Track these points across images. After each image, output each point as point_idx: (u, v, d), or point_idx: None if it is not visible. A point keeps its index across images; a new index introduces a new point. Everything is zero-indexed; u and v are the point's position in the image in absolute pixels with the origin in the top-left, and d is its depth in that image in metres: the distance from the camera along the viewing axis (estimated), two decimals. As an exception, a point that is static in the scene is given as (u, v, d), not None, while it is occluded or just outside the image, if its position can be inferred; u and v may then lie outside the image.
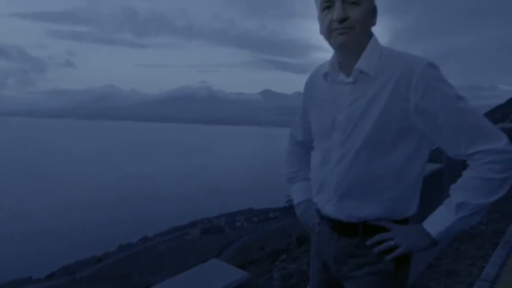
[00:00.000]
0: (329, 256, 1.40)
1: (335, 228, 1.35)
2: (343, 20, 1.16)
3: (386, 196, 1.25)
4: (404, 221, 1.30)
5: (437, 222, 1.20)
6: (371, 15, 1.22)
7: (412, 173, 1.24)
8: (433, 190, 4.36)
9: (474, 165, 1.16)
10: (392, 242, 1.24)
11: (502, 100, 34.51)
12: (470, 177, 1.17)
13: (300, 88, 1.65)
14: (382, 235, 1.26)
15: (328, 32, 1.21)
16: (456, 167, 5.56)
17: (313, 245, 1.54)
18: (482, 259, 3.58)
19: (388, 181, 1.24)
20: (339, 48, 1.24)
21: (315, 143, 1.44)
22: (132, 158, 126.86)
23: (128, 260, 43.60)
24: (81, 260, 44.69)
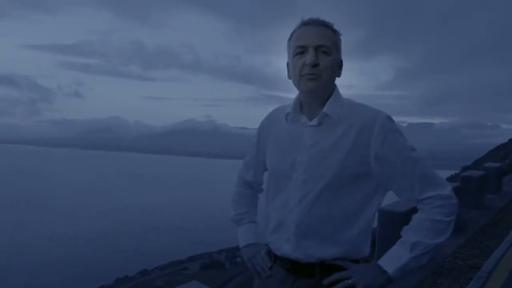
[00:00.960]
0: None
1: (292, 269, 1.36)
2: (315, 65, 1.26)
3: (344, 237, 1.31)
4: (360, 263, 1.35)
5: (393, 260, 1.27)
6: (338, 67, 1.34)
7: (367, 216, 1.33)
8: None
9: (425, 208, 1.29)
10: (349, 281, 1.26)
11: (504, 139, 34.76)
12: (421, 219, 1.29)
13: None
14: (339, 273, 1.28)
15: (299, 76, 1.30)
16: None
17: (258, 286, 1.50)
18: (455, 292, 3.79)
19: (347, 222, 1.31)
20: (307, 93, 1.32)
21: (272, 183, 1.45)
22: (133, 190, 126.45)
23: (125, 294, 42.82)
24: (77, 293, 43.89)
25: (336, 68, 1.33)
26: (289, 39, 1.36)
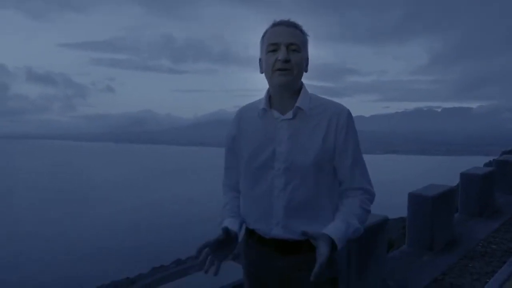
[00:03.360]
0: (272, 276, 1.55)
1: (280, 248, 1.51)
2: (286, 60, 1.41)
3: (325, 214, 1.50)
4: None
5: (341, 241, 1.38)
6: (305, 63, 1.50)
7: (336, 193, 1.54)
8: (445, 210, 4.56)
9: (358, 196, 1.50)
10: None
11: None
12: (359, 206, 1.48)
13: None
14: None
15: (272, 71, 1.45)
16: (472, 187, 5.70)
17: (245, 268, 1.67)
18: (487, 276, 3.75)
19: (325, 201, 1.51)
20: (279, 87, 1.46)
21: (249, 174, 1.56)
22: (166, 181, 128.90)
23: (161, 283, 43.90)
24: (115, 281, 45.38)
25: (304, 64, 1.49)
26: (262, 37, 1.51)
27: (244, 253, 1.68)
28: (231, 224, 1.55)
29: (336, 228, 1.42)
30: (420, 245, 4.36)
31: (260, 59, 1.53)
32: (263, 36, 1.51)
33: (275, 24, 1.48)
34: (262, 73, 1.52)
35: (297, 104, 1.47)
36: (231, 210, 1.65)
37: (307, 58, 1.52)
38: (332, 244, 1.36)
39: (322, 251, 1.31)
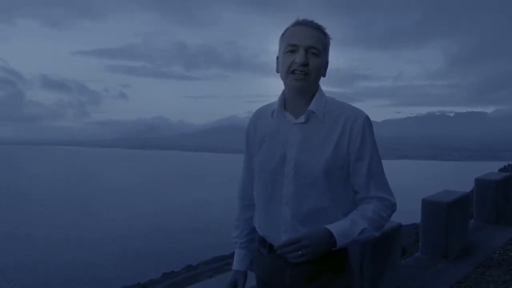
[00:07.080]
0: (282, 285, 1.50)
1: None
2: (304, 64, 1.34)
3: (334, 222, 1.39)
4: None
5: (343, 237, 1.32)
6: (324, 68, 1.43)
7: (349, 200, 1.46)
8: (460, 217, 4.47)
9: (376, 204, 1.41)
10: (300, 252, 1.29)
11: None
12: (374, 211, 1.39)
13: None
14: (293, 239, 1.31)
15: (287, 72, 1.38)
16: (487, 193, 5.58)
17: (257, 275, 1.63)
18: (505, 284, 3.66)
19: (336, 210, 1.42)
20: (293, 90, 1.40)
21: (261, 179, 1.52)
22: (178, 188, 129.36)
23: (172, 288, 43.96)
24: (126, 286, 45.53)
25: (323, 69, 1.42)
26: (282, 35, 1.44)
27: (257, 261, 1.66)
28: (240, 262, 1.69)
29: (338, 224, 1.35)
30: (434, 252, 4.28)
31: (277, 57, 1.46)
32: (283, 34, 1.44)
33: (297, 23, 1.40)
34: (278, 72, 1.46)
35: (310, 108, 1.41)
36: (239, 236, 1.71)
37: (327, 62, 1.45)
38: (332, 240, 1.31)
39: (299, 233, 1.32)
